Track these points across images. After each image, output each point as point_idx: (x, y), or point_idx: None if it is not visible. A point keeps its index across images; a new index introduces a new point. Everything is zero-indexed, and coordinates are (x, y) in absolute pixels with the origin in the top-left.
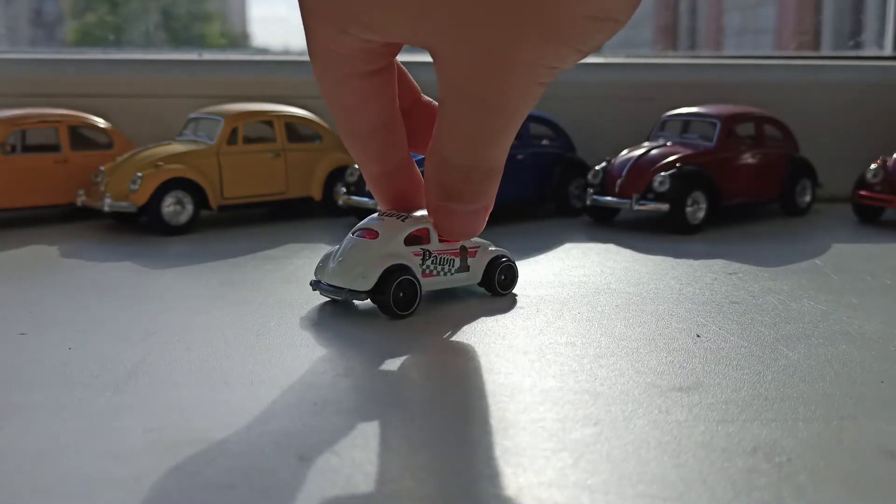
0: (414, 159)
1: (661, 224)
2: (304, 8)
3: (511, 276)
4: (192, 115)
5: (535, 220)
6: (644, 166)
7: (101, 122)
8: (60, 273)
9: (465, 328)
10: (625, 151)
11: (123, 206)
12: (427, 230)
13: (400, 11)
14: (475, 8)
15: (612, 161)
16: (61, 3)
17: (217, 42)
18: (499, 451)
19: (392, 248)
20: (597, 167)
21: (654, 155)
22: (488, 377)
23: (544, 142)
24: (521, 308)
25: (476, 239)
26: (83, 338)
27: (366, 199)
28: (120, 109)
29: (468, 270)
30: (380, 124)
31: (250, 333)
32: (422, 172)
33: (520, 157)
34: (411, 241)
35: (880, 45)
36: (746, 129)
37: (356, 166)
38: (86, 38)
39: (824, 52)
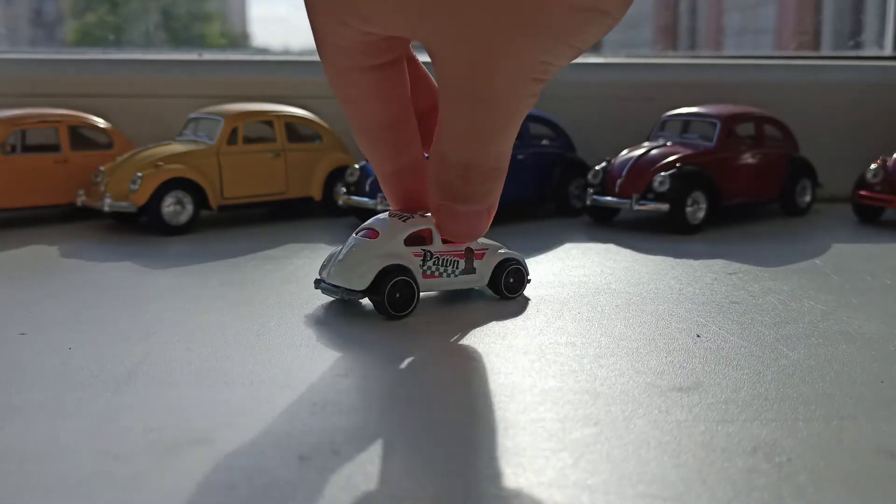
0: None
1: (661, 224)
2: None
3: (519, 280)
4: (192, 115)
5: (535, 220)
6: (644, 166)
7: (101, 122)
8: (60, 273)
9: (466, 328)
10: (625, 151)
11: (123, 206)
12: (429, 231)
13: (394, 2)
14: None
15: (612, 161)
16: (61, 3)
17: (217, 42)
18: (499, 451)
19: (391, 248)
20: (597, 167)
21: (654, 155)
22: (488, 377)
23: (544, 142)
24: (521, 308)
25: (485, 241)
26: (83, 338)
27: (366, 200)
28: (120, 109)
29: (474, 273)
30: (387, 122)
31: (250, 333)
32: None
33: (520, 157)
34: (413, 241)
35: (880, 45)
36: (746, 129)
37: (356, 166)
38: (86, 38)
39: (824, 52)
